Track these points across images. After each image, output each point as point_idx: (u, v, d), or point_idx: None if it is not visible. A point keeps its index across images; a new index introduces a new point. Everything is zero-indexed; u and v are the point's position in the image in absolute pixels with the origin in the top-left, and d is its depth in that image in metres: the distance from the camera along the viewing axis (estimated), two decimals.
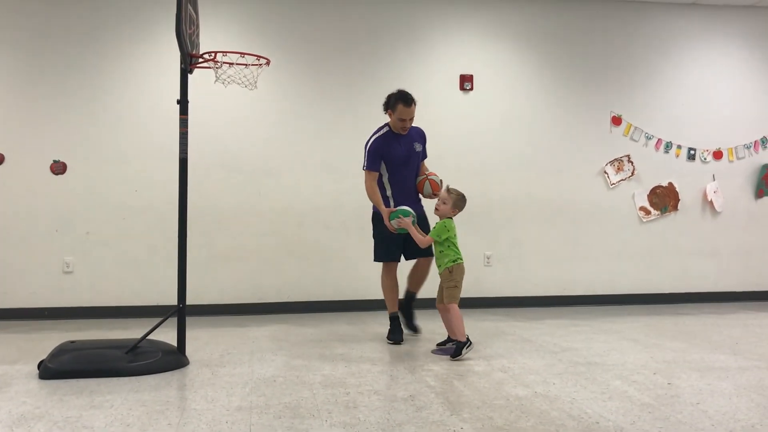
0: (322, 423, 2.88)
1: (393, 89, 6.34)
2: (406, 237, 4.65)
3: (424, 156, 4.95)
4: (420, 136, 4.89)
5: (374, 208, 4.85)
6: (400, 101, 4.62)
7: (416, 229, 4.49)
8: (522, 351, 4.44)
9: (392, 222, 4.51)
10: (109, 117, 6.00)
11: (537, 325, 5.50)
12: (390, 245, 4.79)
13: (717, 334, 5.11)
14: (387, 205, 4.74)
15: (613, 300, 6.84)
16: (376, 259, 4.90)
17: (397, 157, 4.75)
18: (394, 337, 4.74)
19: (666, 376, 3.75)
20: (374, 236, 4.92)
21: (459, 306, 4.30)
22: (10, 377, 3.71)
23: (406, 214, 4.47)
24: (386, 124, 4.82)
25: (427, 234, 4.52)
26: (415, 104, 4.64)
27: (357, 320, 5.75)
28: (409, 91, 4.67)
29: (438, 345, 4.54)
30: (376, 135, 4.78)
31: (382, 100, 6.35)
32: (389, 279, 4.85)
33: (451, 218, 4.36)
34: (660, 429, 2.80)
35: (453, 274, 4.30)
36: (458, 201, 4.35)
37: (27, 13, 5.88)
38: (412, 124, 4.78)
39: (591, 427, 2.82)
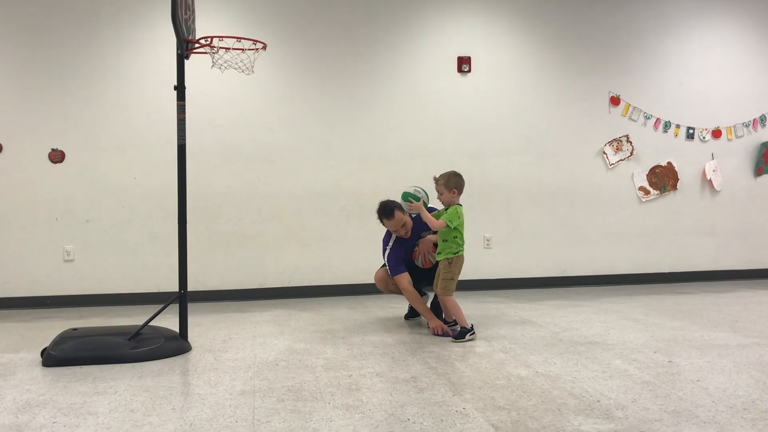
0: (325, 405, 2.90)
1: (390, 73, 6.39)
2: (415, 267, 4.70)
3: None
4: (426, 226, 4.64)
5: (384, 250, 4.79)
6: (382, 217, 4.57)
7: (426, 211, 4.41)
8: (523, 332, 4.46)
9: (404, 204, 4.45)
10: (106, 104, 5.97)
11: (537, 306, 5.52)
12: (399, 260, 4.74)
13: (716, 312, 5.13)
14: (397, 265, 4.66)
15: (613, 280, 6.86)
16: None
17: (411, 247, 4.73)
18: (409, 312, 5.03)
19: (666, 354, 3.77)
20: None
21: (457, 289, 4.32)
22: (13, 365, 3.73)
23: (417, 198, 4.38)
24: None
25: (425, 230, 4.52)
26: (399, 211, 4.52)
27: (357, 304, 5.77)
28: (390, 203, 4.57)
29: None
30: (389, 245, 4.67)
31: (380, 83, 6.40)
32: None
33: (461, 205, 4.33)
34: (661, 406, 2.82)
35: (452, 265, 4.28)
36: (449, 181, 4.26)
37: (23, 2, 5.84)
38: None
39: (592, 406, 2.84)
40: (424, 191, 4.50)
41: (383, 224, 4.63)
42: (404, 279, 4.56)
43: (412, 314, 4.99)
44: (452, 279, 4.28)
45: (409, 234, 4.66)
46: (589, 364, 3.57)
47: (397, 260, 4.62)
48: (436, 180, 4.32)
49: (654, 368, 3.45)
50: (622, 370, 3.42)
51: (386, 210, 4.54)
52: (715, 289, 6.46)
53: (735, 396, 2.95)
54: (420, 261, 4.70)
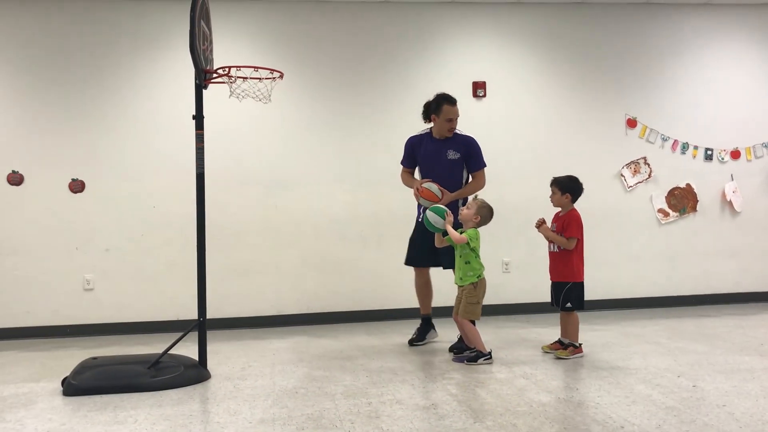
0: None
1: (404, 99, 6.42)
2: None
3: (475, 167, 4.91)
4: (462, 144, 4.83)
5: (417, 216, 4.91)
6: (444, 102, 4.75)
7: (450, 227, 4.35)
8: (544, 357, 4.42)
9: (428, 217, 4.39)
10: (125, 134, 6.05)
11: (557, 331, 5.45)
12: (414, 249, 4.96)
13: (740, 335, 5.05)
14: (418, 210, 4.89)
15: (634, 304, 6.78)
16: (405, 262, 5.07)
17: (423, 159, 4.90)
18: (415, 337, 5.00)
19: (690, 378, 3.71)
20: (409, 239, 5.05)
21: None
22: (35, 395, 3.75)
23: (441, 212, 4.32)
24: (429, 129, 4.95)
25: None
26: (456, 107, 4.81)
27: (376, 330, 5.74)
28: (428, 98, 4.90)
29: (454, 353, 4.53)
30: (414, 134, 5.03)
31: (394, 109, 6.44)
32: (416, 280, 5.05)
33: (477, 228, 4.35)
34: None
35: (477, 289, 4.29)
36: (481, 209, 4.35)
37: (44, 33, 5.95)
38: (463, 133, 4.89)
39: None
40: (447, 210, 4.41)
41: (435, 118, 4.79)
42: (402, 172, 5.05)
43: (418, 339, 5.00)
44: (477, 303, 4.30)
45: (452, 132, 4.79)
46: (612, 389, 3.52)
47: (406, 151, 5.01)
48: (474, 199, 4.49)
49: (678, 393, 3.40)
50: (646, 395, 3.36)
51: (448, 97, 4.77)
52: (739, 311, 6.36)
53: (763, 421, 2.89)
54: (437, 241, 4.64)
